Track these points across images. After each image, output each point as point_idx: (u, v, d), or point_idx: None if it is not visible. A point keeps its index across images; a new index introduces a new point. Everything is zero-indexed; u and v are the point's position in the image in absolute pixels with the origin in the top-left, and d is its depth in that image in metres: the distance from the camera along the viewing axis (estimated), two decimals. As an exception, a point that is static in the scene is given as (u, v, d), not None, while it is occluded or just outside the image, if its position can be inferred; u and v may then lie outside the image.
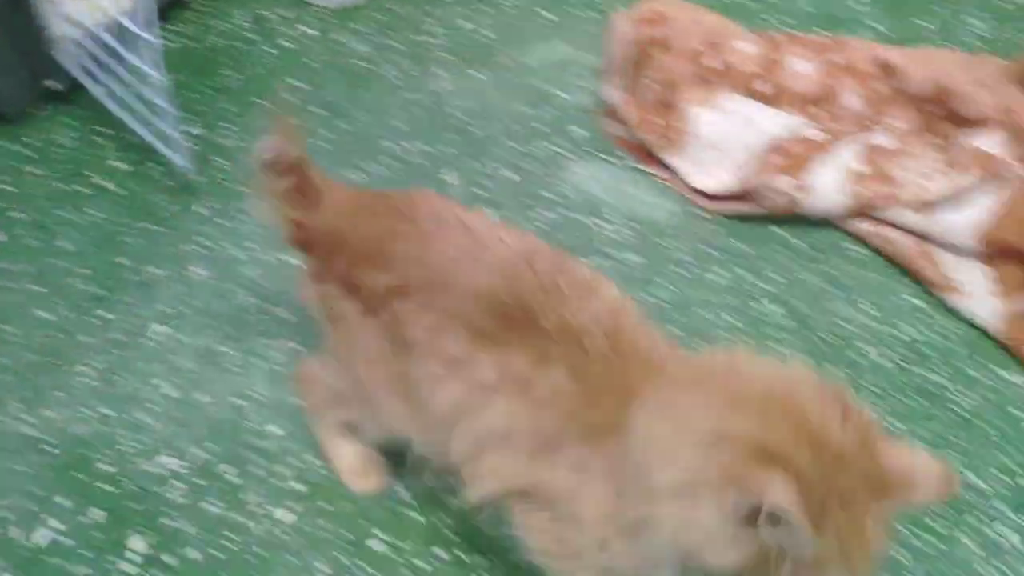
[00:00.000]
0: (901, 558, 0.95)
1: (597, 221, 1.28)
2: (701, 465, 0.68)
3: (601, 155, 1.37)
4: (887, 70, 1.38)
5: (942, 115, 1.34)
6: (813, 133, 1.27)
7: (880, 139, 1.29)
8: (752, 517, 0.64)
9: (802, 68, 1.36)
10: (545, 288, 0.81)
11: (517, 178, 1.33)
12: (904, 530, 0.97)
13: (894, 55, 1.38)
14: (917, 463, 0.69)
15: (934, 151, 1.28)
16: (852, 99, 1.37)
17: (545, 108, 1.44)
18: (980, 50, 1.56)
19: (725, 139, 1.26)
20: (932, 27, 1.64)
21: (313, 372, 0.98)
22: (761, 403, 0.69)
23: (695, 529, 0.68)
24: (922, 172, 1.23)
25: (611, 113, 1.38)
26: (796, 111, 1.35)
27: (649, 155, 1.33)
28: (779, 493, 0.62)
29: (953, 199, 1.22)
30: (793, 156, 1.23)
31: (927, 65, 1.36)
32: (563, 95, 1.46)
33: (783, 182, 1.21)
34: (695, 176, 1.28)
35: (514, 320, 0.80)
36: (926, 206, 1.22)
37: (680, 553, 0.70)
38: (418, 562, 0.93)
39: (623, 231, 1.26)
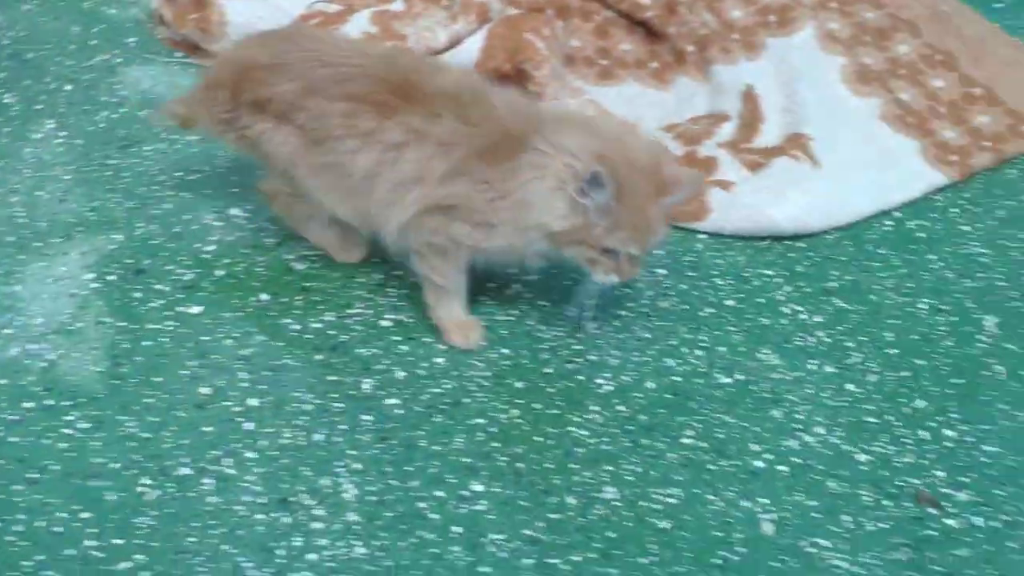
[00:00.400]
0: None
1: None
2: (559, 167, 1.06)
3: (154, 56, 1.49)
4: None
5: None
6: (330, 7, 1.47)
7: (393, 6, 1.52)
8: (574, 182, 1.05)
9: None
10: (417, 68, 1.13)
11: (72, 88, 1.42)
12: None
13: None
14: (683, 173, 1.13)
15: (440, 10, 1.53)
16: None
17: (97, 25, 1.54)
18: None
19: (258, 22, 1.43)
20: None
21: (271, 186, 1.21)
22: (599, 132, 1.10)
23: (544, 201, 1.07)
24: (426, 27, 1.47)
25: (157, 18, 1.51)
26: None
27: (195, 48, 1.48)
28: (598, 167, 1.02)
29: (457, 44, 1.48)
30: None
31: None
32: (112, 11, 1.56)
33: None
34: (239, 60, 1.44)
35: (404, 91, 1.09)
36: (436, 52, 1.47)
37: (541, 225, 1.08)
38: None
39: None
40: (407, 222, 1.12)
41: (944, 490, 1.12)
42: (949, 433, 1.18)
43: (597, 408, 1.15)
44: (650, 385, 1.18)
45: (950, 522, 1.09)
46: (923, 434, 1.18)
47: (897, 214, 1.48)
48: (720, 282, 1.33)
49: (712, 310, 1.29)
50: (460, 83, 1.13)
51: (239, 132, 1.16)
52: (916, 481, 1.13)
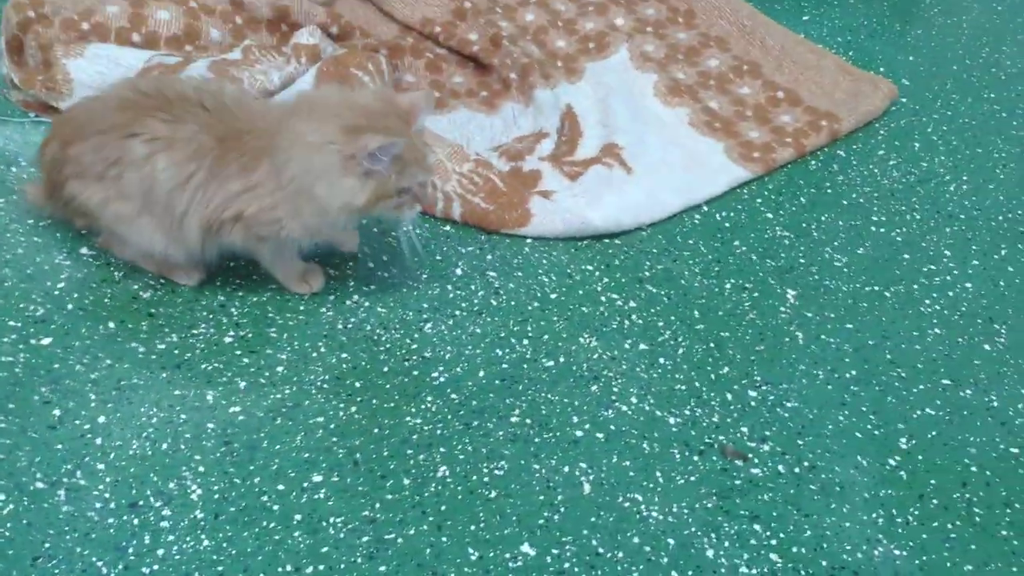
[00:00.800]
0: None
1: (12, 169, 1.49)
2: (327, 153, 1.15)
3: (8, 119, 1.58)
4: (236, 5, 1.73)
5: (286, 30, 1.73)
6: (168, 60, 1.58)
7: (231, 55, 1.63)
8: (359, 163, 1.14)
9: (163, 16, 1.67)
10: (164, 93, 1.19)
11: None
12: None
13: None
14: (416, 100, 1.23)
15: (274, 56, 1.65)
16: (213, 33, 1.70)
17: (-49, 93, 1.62)
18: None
19: (98, 78, 1.53)
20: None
21: (103, 239, 1.32)
22: (343, 106, 1.18)
23: (337, 188, 1.17)
24: (261, 71, 1.59)
25: (9, 82, 1.59)
26: (168, 49, 1.66)
27: (47, 107, 1.56)
28: (371, 140, 1.13)
29: (290, 84, 1.60)
30: (153, 78, 1.53)
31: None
32: (-34, 79, 1.65)
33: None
34: (88, 114, 1.54)
35: (141, 108, 1.18)
36: (272, 94, 1.59)
37: (345, 206, 1.18)
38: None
39: (34, 171, 1.48)
40: (205, 236, 1.23)
41: (749, 444, 1.25)
42: (752, 394, 1.31)
43: (431, 398, 1.25)
44: (481, 374, 1.29)
45: (755, 471, 1.21)
46: (728, 396, 1.31)
47: (705, 208, 1.63)
48: (545, 279, 1.45)
49: (538, 304, 1.41)
50: (200, 88, 1.22)
51: (63, 205, 1.28)
52: (723, 438, 1.25)
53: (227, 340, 1.28)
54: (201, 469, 1.12)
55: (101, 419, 1.16)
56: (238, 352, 1.26)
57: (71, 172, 1.22)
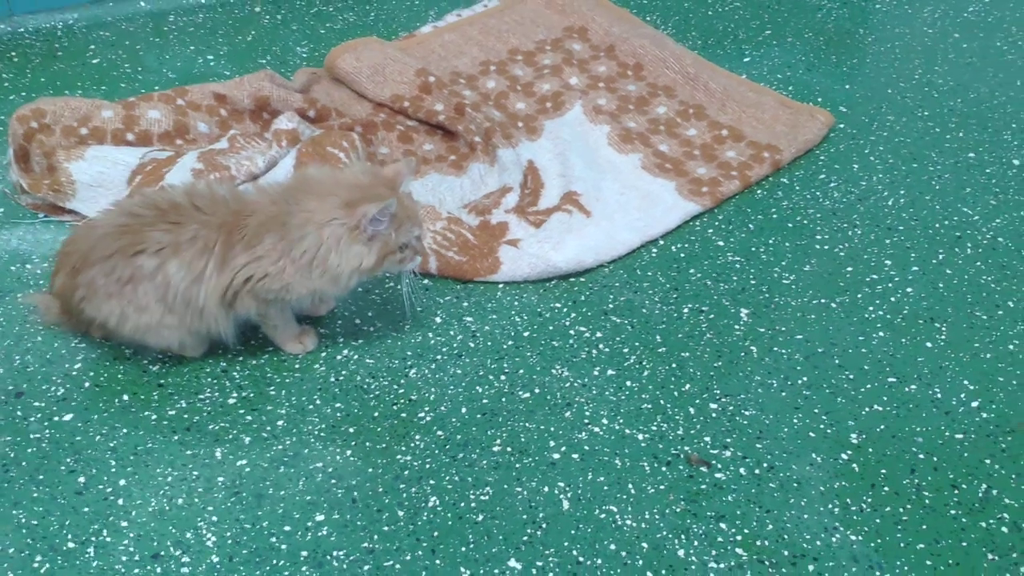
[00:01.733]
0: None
1: (27, 266, 1.65)
2: (334, 228, 1.32)
3: (19, 220, 1.73)
4: (220, 99, 1.90)
5: (267, 117, 1.89)
6: (161, 154, 1.74)
7: (218, 145, 1.80)
8: (363, 230, 1.32)
9: (154, 115, 1.83)
10: (158, 206, 1.34)
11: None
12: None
13: (221, 87, 1.91)
14: (399, 168, 1.39)
15: (258, 142, 1.81)
16: (201, 126, 1.87)
17: (-33, 203, 1.78)
18: (305, 65, 2.17)
19: (99, 178, 1.69)
20: (266, 61, 2.23)
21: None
22: (336, 185, 1.35)
23: (347, 255, 1.34)
24: (246, 157, 1.75)
25: (18, 188, 1.75)
26: (160, 144, 1.82)
27: (55, 208, 1.72)
28: (370, 207, 1.30)
29: (273, 166, 1.76)
30: (148, 172, 1.68)
31: (245, 88, 1.91)
32: (-21, 189, 1.81)
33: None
34: (91, 210, 1.68)
35: (138, 228, 1.32)
36: (257, 176, 1.74)
37: (356, 271, 1.36)
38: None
39: (47, 266, 1.63)
40: (222, 312, 1.37)
41: (712, 451, 1.36)
42: (713, 406, 1.44)
43: (419, 436, 1.37)
44: (463, 410, 1.41)
45: (719, 476, 1.33)
46: (691, 410, 1.43)
47: (661, 242, 1.76)
48: (518, 319, 1.58)
49: (512, 342, 1.54)
50: (190, 193, 1.36)
51: (80, 323, 1.42)
52: (687, 448, 1.37)
53: (231, 401, 1.41)
54: (214, 518, 1.24)
55: (122, 482, 1.29)
56: (241, 411, 1.39)
57: (83, 296, 1.36)
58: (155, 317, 1.35)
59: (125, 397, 1.41)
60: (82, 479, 1.29)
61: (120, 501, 1.26)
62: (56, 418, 1.37)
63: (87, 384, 1.42)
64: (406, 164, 1.41)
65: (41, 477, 1.29)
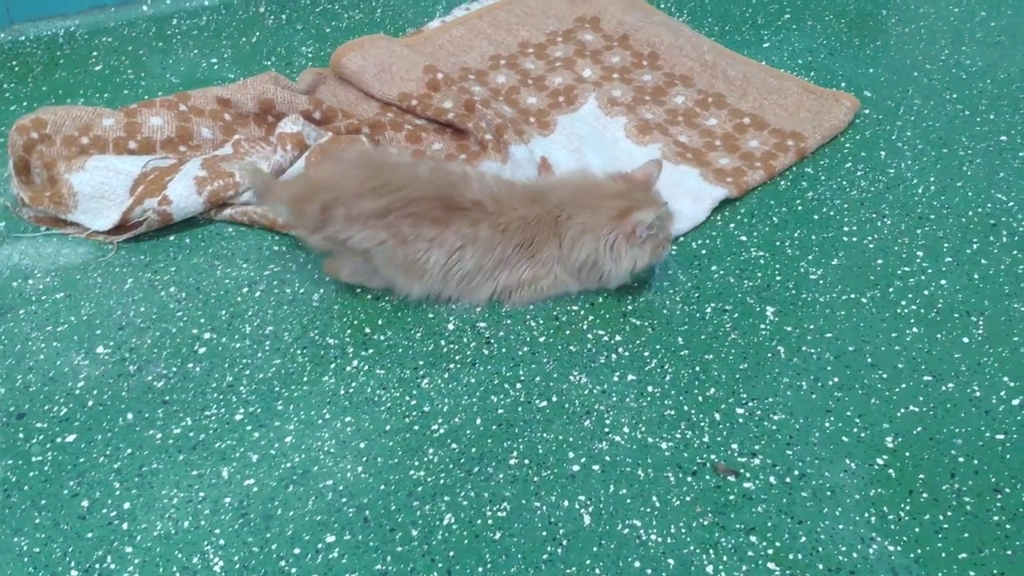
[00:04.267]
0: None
1: (29, 281, 1.61)
2: (612, 237, 1.46)
3: (21, 235, 1.70)
4: (224, 103, 1.85)
5: (272, 121, 1.84)
6: (163, 163, 1.69)
7: (222, 151, 1.74)
8: (638, 236, 1.46)
9: (157, 122, 1.79)
10: (452, 183, 1.44)
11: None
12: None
13: (224, 91, 1.86)
14: (649, 170, 1.53)
15: (263, 146, 1.76)
16: (204, 131, 1.82)
17: (-32, 217, 1.74)
18: (311, 65, 2.12)
19: (101, 188, 1.64)
20: (271, 63, 2.18)
21: (333, 264, 1.54)
22: (601, 196, 1.50)
23: (625, 259, 1.47)
24: (251, 163, 1.70)
25: (20, 202, 1.71)
26: (163, 152, 1.78)
27: (57, 220, 1.68)
28: (644, 215, 1.44)
29: (280, 173, 1.71)
30: (150, 182, 1.64)
31: (249, 91, 1.86)
32: (-19, 203, 1.78)
33: (149, 203, 1.62)
34: (93, 222, 1.65)
35: (450, 207, 1.43)
36: (263, 183, 1.69)
37: (623, 274, 1.49)
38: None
39: (49, 281, 1.60)
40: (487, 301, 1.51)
41: (740, 460, 1.30)
42: (739, 411, 1.37)
43: (433, 450, 1.32)
44: (478, 422, 1.36)
45: (748, 485, 1.27)
46: (716, 416, 1.37)
47: (682, 239, 1.70)
48: (533, 324, 1.52)
49: (528, 348, 1.48)
50: (482, 191, 1.45)
51: (326, 236, 1.45)
52: (714, 457, 1.31)
53: (237, 418, 1.36)
54: (221, 542, 1.20)
55: (126, 505, 1.24)
56: (248, 428, 1.35)
57: (368, 226, 1.42)
58: (430, 279, 1.47)
59: (129, 416, 1.36)
60: (85, 503, 1.24)
61: (125, 525, 1.22)
62: (59, 440, 1.33)
63: (90, 403, 1.38)
64: (655, 164, 1.50)
65: (44, 502, 1.24)
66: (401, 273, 1.48)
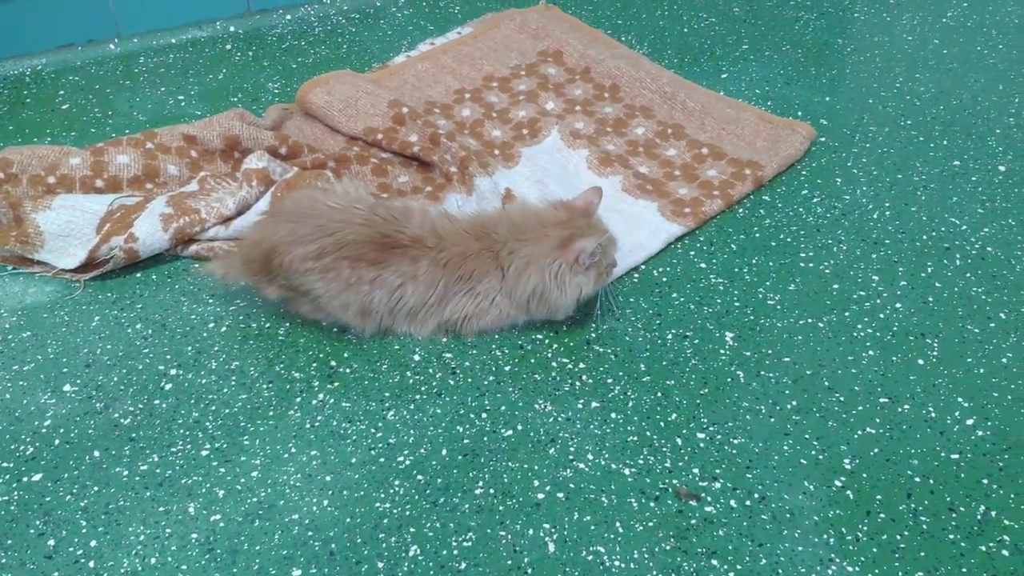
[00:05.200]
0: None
1: (-7, 322, 1.61)
2: (556, 266, 1.46)
3: (-14, 274, 1.70)
4: (190, 140, 1.87)
5: (239, 156, 1.86)
6: (130, 200, 1.70)
7: (188, 188, 1.76)
8: (582, 264, 1.46)
9: (123, 160, 1.80)
10: (389, 221, 1.45)
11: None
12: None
13: (191, 128, 1.88)
14: (589, 198, 1.55)
15: (228, 182, 1.78)
16: (171, 169, 1.84)
17: (-66, 258, 1.74)
18: (277, 101, 2.14)
19: (67, 227, 1.65)
20: (237, 99, 2.20)
21: (293, 307, 1.55)
22: (542, 224, 1.50)
23: (570, 288, 1.48)
24: (216, 199, 1.72)
25: (-15, 241, 1.72)
26: (130, 189, 1.79)
27: (24, 260, 1.69)
28: (586, 243, 1.44)
29: (246, 209, 1.73)
30: (116, 220, 1.65)
31: (215, 128, 1.88)
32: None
33: (116, 241, 1.63)
34: (60, 261, 1.66)
35: (387, 246, 1.44)
36: (229, 219, 1.71)
37: (570, 303, 1.50)
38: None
39: (15, 320, 1.60)
40: (432, 331, 1.53)
41: (701, 483, 1.32)
42: (700, 435, 1.40)
43: (398, 482, 1.33)
44: (444, 452, 1.37)
45: (709, 509, 1.29)
46: (678, 441, 1.39)
47: (643, 267, 1.73)
48: (499, 353, 1.54)
49: (493, 377, 1.50)
50: (423, 226, 1.47)
51: (277, 286, 1.49)
52: (676, 482, 1.33)
53: (204, 453, 1.37)
54: (188, 578, 1.20)
55: (93, 543, 1.25)
56: (215, 463, 1.35)
57: (316, 273, 1.45)
58: (379, 316, 1.50)
59: (96, 453, 1.37)
60: (52, 542, 1.25)
61: (91, 564, 1.22)
62: (25, 479, 1.33)
63: (57, 442, 1.39)
64: (595, 192, 1.52)
65: (9, 542, 1.25)
66: (351, 314, 1.50)
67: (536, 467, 1.35)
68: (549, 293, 1.47)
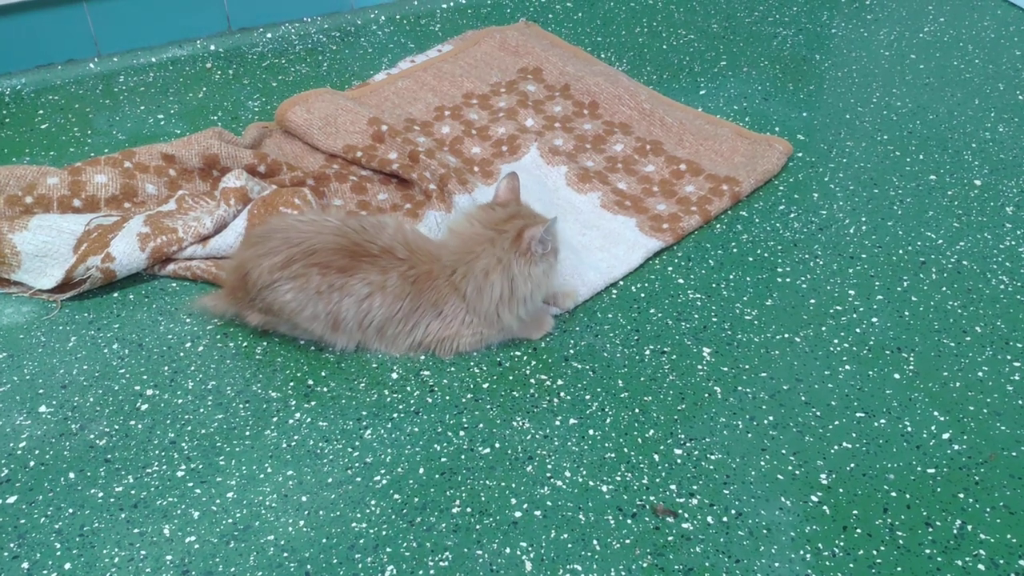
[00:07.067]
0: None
1: (-30, 343, 1.60)
2: (511, 262, 1.45)
3: (-38, 295, 1.69)
4: (169, 159, 1.87)
5: (217, 175, 1.86)
6: (107, 220, 1.70)
7: (165, 207, 1.76)
8: (535, 252, 1.45)
9: (101, 179, 1.80)
10: (360, 231, 1.47)
11: None
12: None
13: (169, 147, 1.88)
14: (503, 186, 1.56)
15: (207, 201, 1.78)
16: (149, 188, 1.83)
17: (-90, 279, 1.73)
18: (257, 120, 2.14)
19: (44, 247, 1.65)
20: (217, 118, 2.20)
21: (267, 325, 1.55)
22: (488, 226, 1.50)
23: (533, 280, 1.48)
24: (194, 218, 1.71)
25: (-38, 262, 1.71)
26: (108, 209, 1.78)
27: (0, 280, 1.68)
28: (534, 231, 1.45)
29: (223, 227, 1.72)
30: (93, 240, 1.64)
31: (193, 146, 1.88)
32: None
33: (93, 261, 1.62)
34: (37, 281, 1.65)
35: (357, 254, 1.45)
36: (206, 238, 1.71)
37: (538, 296, 1.50)
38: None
39: (-10, 341, 1.60)
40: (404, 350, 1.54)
41: (679, 500, 1.33)
42: (678, 451, 1.40)
43: (375, 502, 1.33)
44: (421, 471, 1.37)
45: (686, 525, 1.29)
46: (655, 457, 1.39)
47: (621, 282, 1.73)
48: (477, 370, 1.54)
49: (471, 395, 1.50)
50: (395, 239, 1.48)
51: (257, 308, 1.50)
52: (653, 498, 1.33)
53: (179, 474, 1.36)
54: (162, 601, 1.19)
55: (67, 566, 1.24)
56: (190, 484, 1.35)
57: (287, 282, 1.46)
58: (349, 329, 1.50)
59: (71, 475, 1.36)
60: (26, 565, 1.24)
61: (64, 588, 1.21)
62: (0, 501, 1.32)
63: (32, 463, 1.38)
64: (509, 178, 1.52)
65: (-19, 566, 1.23)
66: (322, 326, 1.50)
67: (514, 485, 1.35)
68: (519, 289, 1.46)
